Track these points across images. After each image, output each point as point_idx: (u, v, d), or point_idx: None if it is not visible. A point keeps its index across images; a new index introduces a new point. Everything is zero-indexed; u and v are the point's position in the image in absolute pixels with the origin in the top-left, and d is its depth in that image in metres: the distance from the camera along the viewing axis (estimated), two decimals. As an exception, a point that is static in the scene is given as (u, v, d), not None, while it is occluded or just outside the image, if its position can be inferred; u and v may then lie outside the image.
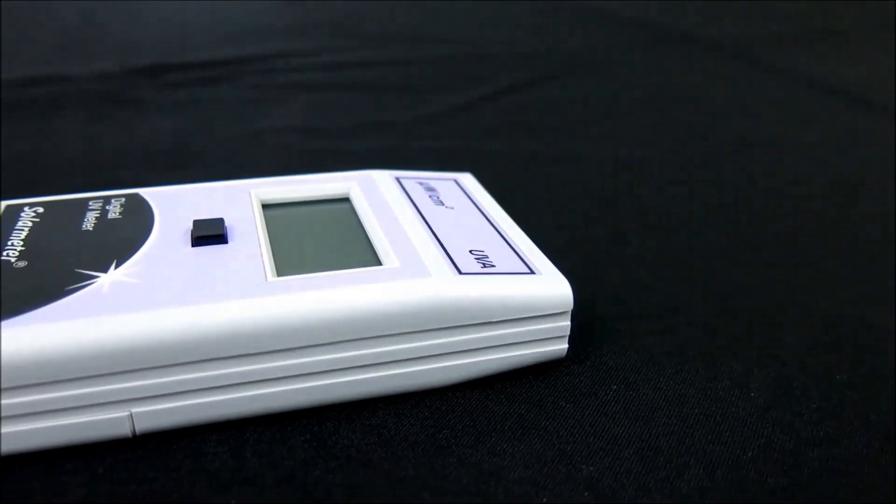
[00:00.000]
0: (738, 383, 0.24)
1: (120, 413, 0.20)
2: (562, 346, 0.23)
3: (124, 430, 0.20)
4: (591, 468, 0.20)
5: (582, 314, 0.27)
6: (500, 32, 0.71)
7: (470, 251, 0.24)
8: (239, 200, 0.26)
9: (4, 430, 0.19)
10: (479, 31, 0.71)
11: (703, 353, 0.25)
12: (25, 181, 0.37)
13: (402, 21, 0.73)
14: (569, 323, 0.23)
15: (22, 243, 0.23)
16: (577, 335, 0.25)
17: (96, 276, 0.21)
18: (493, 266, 0.23)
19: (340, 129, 0.46)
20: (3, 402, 0.18)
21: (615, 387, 0.23)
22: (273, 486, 0.19)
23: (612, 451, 0.21)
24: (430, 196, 0.28)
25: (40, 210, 0.25)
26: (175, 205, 0.26)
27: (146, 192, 0.26)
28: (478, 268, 0.23)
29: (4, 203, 0.25)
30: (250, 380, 0.20)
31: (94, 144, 0.42)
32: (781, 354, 0.25)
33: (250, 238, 0.24)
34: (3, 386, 0.18)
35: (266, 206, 0.26)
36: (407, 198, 0.27)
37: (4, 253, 0.22)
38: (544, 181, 0.39)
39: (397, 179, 0.29)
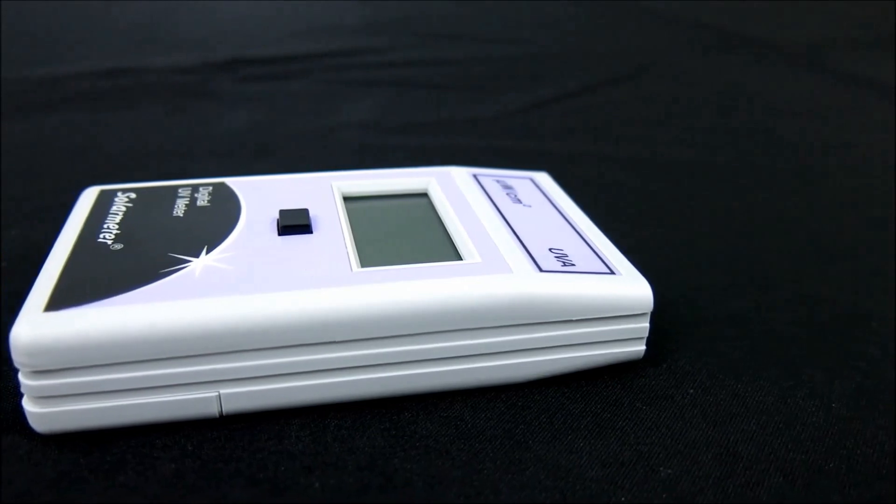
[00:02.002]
0: (819, 393, 0.23)
1: (209, 393, 0.20)
2: (639, 348, 0.23)
3: (212, 410, 0.20)
4: (669, 470, 0.20)
5: (657, 317, 0.26)
6: (567, 34, 0.71)
7: (549, 249, 0.24)
8: (321, 192, 0.27)
9: (100, 405, 0.20)
10: (546, 32, 0.71)
11: (781, 361, 0.25)
12: (108, 168, 0.39)
13: (471, 21, 0.74)
14: (647, 325, 0.23)
15: (117, 227, 0.24)
16: (652, 337, 0.25)
17: (189, 261, 0.22)
18: (573, 265, 0.23)
19: (410, 126, 0.46)
20: (100, 378, 0.19)
21: (692, 391, 0.23)
22: (354, 471, 0.20)
23: (689, 455, 0.21)
24: (507, 193, 0.28)
25: (133, 196, 0.26)
26: (260, 194, 0.26)
27: (232, 182, 0.27)
28: (558, 266, 0.23)
29: (98, 188, 0.26)
30: (333, 367, 0.21)
31: (171, 134, 0.44)
32: (862, 365, 0.25)
33: (334, 229, 0.24)
34: (100, 363, 0.19)
35: (347, 199, 0.27)
36: (485, 195, 0.27)
37: (101, 236, 0.23)
38: (614, 183, 0.39)
39: (474, 176, 0.29)
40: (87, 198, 0.26)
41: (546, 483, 0.20)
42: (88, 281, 0.20)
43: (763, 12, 0.81)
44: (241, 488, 0.19)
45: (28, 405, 0.20)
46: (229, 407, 0.21)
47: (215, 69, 0.56)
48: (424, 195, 0.28)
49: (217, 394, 0.20)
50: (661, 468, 0.20)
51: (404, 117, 0.48)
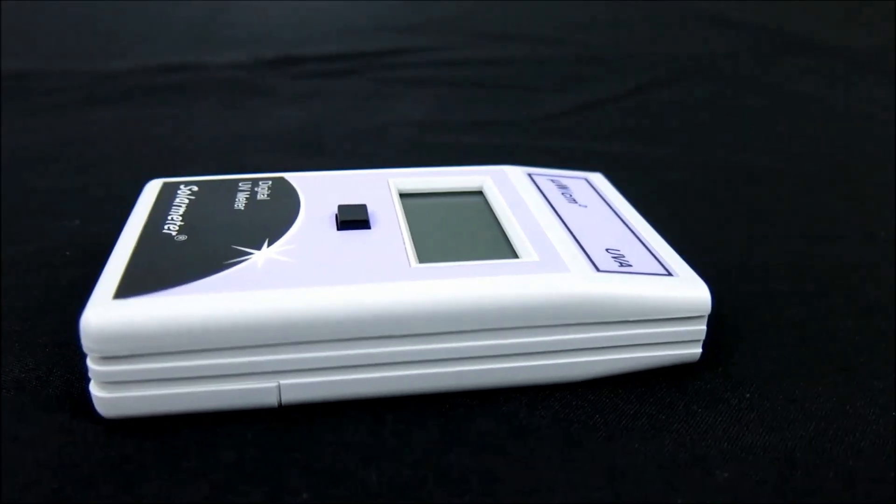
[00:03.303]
0: (879, 402, 0.23)
1: (269, 384, 0.21)
2: (695, 351, 0.23)
3: (271, 400, 0.21)
4: (726, 474, 0.20)
5: (712, 320, 0.26)
6: (618, 35, 0.70)
7: (606, 249, 0.24)
8: (378, 188, 0.27)
9: (164, 392, 0.20)
10: (597, 33, 0.71)
11: (840, 369, 0.24)
12: (166, 161, 0.40)
13: (520, 21, 0.73)
14: (704, 327, 0.23)
15: (181, 218, 0.24)
16: (708, 340, 0.25)
17: (251, 253, 0.22)
18: (630, 266, 0.23)
19: (459, 125, 0.46)
20: (165, 365, 0.20)
21: (748, 395, 0.23)
22: (410, 465, 0.20)
23: (746, 459, 0.21)
24: (562, 193, 0.28)
25: (195, 189, 0.26)
26: (318, 189, 0.27)
27: (291, 177, 0.28)
28: (615, 266, 0.23)
29: (161, 181, 0.27)
30: (391, 361, 0.21)
31: (225, 129, 0.44)
32: (925, 375, 0.24)
33: (391, 225, 0.24)
34: (166, 350, 0.20)
35: (403, 195, 0.27)
36: (540, 194, 0.27)
37: (166, 227, 0.24)
38: (667, 185, 0.38)
39: (529, 175, 0.29)
40: (151, 190, 0.26)
41: (601, 483, 0.20)
42: (155, 270, 0.21)
43: (817, 15, 0.80)
44: (300, 478, 0.19)
45: (95, 390, 0.20)
46: (288, 397, 0.21)
47: (267, 66, 0.56)
48: (479, 193, 0.28)
49: (277, 384, 0.21)
50: (718, 471, 0.20)
51: (454, 116, 0.48)
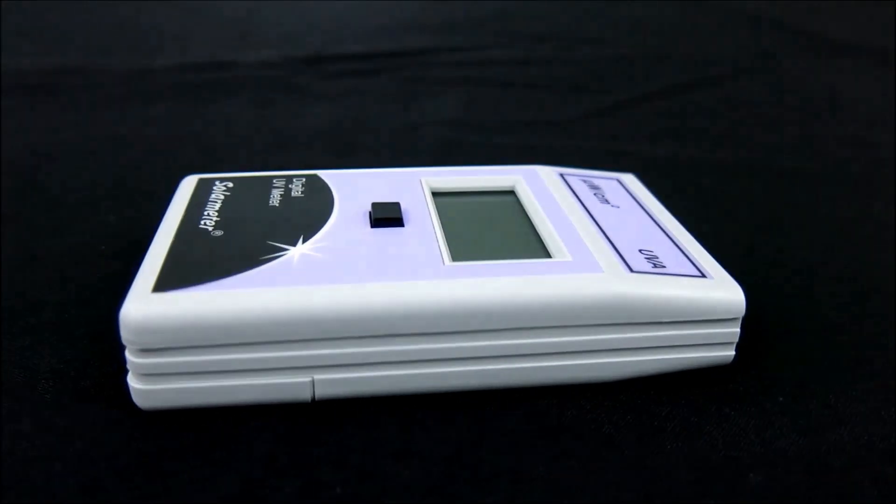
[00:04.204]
0: (915, 407, 0.23)
1: (303, 378, 0.21)
2: (728, 353, 0.23)
3: (305, 395, 0.21)
4: (759, 477, 0.20)
5: (746, 322, 0.26)
6: (653, 35, 0.70)
7: (639, 250, 0.24)
8: (410, 187, 0.27)
9: (200, 384, 0.20)
10: (631, 32, 0.71)
11: (875, 375, 0.24)
12: (198, 158, 0.40)
13: (555, 21, 0.73)
14: (738, 329, 0.23)
15: (217, 214, 0.24)
16: (741, 343, 0.25)
17: (286, 249, 0.22)
18: (664, 267, 0.23)
19: (492, 125, 0.46)
20: (202, 358, 0.20)
21: (781, 399, 0.23)
22: (441, 461, 0.20)
23: (779, 463, 0.20)
24: (594, 193, 0.28)
25: (230, 185, 0.27)
26: (351, 187, 0.27)
27: (324, 174, 0.28)
28: (648, 267, 0.23)
29: (197, 176, 0.27)
30: (423, 358, 0.21)
31: (258, 127, 0.45)
32: (962, 382, 0.24)
33: (424, 223, 0.24)
34: (203, 343, 0.20)
35: (436, 194, 0.27)
36: (572, 194, 0.27)
37: (202, 222, 0.24)
38: (701, 186, 0.38)
39: (561, 175, 0.29)
40: (187, 186, 0.27)
41: (633, 483, 0.20)
42: (193, 265, 0.21)
43: (860, 18, 0.79)
44: (332, 472, 0.19)
45: (133, 382, 0.20)
46: (321, 392, 0.21)
47: (300, 65, 0.57)
48: (511, 193, 0.28)
49: (311, 379, 0.21)
50: (751, 474, 0.20)
51: (487, 116, 0.48)
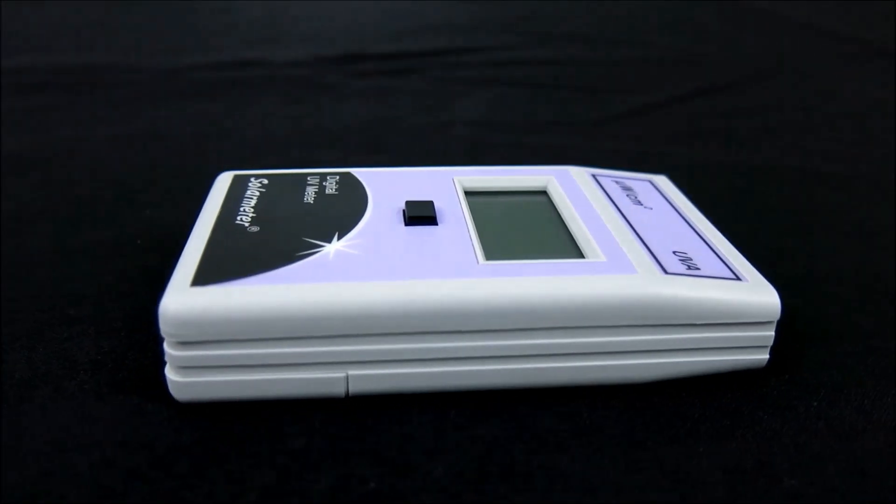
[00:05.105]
0: (952, 415, 0.22)
1: (338, 374, 0.21)
2: (762, 357, 0.23)
3: (339, 390, 0.21)
4: (794, 482, 0.20)
5: (780, 326, 0.26)
6: (685, 36, 0.69)
7: (673, 252, 0.24)
8: (443, 185, 0.27)
9: (236, 378, 0.21)
10: (662, 33, 0.70)
11: (911, 380, 0.24)
12: (232, 155, 0.40)
13: (581, 21, 0.73)
14: (773, 333, 0.23)
15: (253, 210, 0.25)
16: (776, 347, 0.25)
17: (322, 246, 0.23)
18: (698, 269, 0.23)
19: (519, 125, 0.46)
20: (239, 352, 0.20)
21: (816, 403, 0.23)
22: (475, 459, 0.20)
23: (814, 468, 0.20)
24: (626, 195, 0.28)
25: (265, 181, 0.27)
26: (385, 185, 0.27)
27: (358, 172, 0.28)
28: (683, 269, 0.23)
29: (232, 173, 0.28)
30: (457, 356, 0.21)
31: (289, 126, 0.45)
32: None
33: (458, 222, 0.25)
34: (240, 337, 0.20)
35: (468, 193, 0.27)
36: (605, 195, 0.27)
37: (238, 218, 0.24)
38: (733, 189, 0.38)
39: (593, 176, 0.29)
40: (223, 182, 0.27)
41: (665, 485, 0.19)
42: (230, 260, 0.22)
43: (889, 22, 0.78)
44: (367, 467, 0.20)
45: (170, 374, 0.21)
46: (356, 388, 0.21)
47: (331, 64, 0.57)
48: (543, 193, 0.28)
49: (345, 374, 0.21)
50: (785, 479, 0.20)
51: (517, 116, 0.48)
